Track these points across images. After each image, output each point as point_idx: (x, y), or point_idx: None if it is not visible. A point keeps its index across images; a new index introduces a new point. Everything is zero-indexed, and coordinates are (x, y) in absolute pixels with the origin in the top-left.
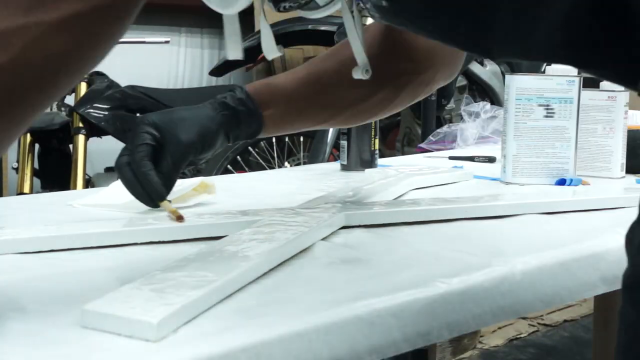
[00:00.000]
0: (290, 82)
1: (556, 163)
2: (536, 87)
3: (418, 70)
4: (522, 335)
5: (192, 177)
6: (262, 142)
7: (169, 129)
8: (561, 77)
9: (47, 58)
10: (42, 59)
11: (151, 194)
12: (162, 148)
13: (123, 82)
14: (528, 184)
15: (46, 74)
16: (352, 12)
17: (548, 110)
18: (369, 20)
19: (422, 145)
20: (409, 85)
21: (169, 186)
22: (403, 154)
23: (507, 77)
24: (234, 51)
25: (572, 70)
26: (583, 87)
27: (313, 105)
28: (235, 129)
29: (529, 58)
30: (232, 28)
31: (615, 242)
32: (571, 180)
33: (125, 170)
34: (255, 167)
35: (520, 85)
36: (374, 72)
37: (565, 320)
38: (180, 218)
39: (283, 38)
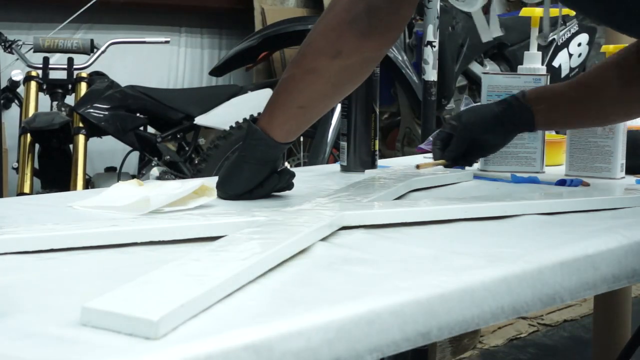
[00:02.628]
0: (561, 85)
1: (524, 153)
2: (505, 84)
3: None
4: (522, 335)
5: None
6: None
7: (460, 117)
8: (528, 75)
9: (345, 83)
10: (343, 85)
11: (434, 156)
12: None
13: (123, 82)
14: (499, 171)
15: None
16: None
17: (511, 94)
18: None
19: (422, 145)
20: None
21: (451, 157)
22: (403, 154)
23: (482, 76)
24: (489, 34)
25: (541, 69)
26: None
27: (579, 105)
28: (510, 118)
29: None
30: (480, 19)
31: (615, 243)
32: (571, 180)
33: (435, 152)
34: None
35: (491, 83)
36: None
37: (565, 320)
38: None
39: (283, 38)
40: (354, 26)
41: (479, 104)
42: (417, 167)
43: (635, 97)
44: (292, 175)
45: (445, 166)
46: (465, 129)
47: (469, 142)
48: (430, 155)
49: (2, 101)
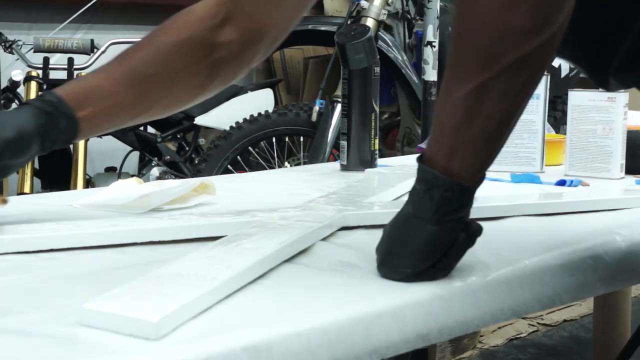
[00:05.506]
0: (104, 79)
1: (525, 153)
2: None
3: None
4: (522, 335)
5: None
6: (262, 142)
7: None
8: None
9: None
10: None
11: None
12: None
13: None
14: (499, 171)
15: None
16: None
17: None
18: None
19: (422, 145)
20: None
21: None
22: (403, 154)
23: None
24: None
25: None
26: (583, 88)
27: (131, 103)
28: (52, 132)
29: None
30: None
31: (614, 243)
32: (571, 181)
33: None
34: (255, 167)
35: None
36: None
37: (565, 320)
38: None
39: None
40: None
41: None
42: None
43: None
44: (480, 230)
45: None
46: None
47: None
48: None
49: (2, 101)
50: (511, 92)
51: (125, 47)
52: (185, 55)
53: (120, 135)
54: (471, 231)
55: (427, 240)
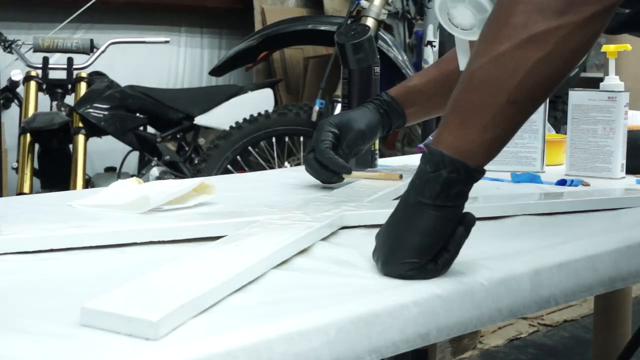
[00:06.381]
0: (423, 82)
1: (525, 152)
2: None
3: None
4: (522, 336)
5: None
6: (262, 142)
7: (345, 125)
8: None
9: (571, 52)
10: (568, 52)
11: (338, 170)
12: (338, 141)
13: (123, 82)
14: (499, 171)
15: (568, 65)
16: None
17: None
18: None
19: (422, 145)
20: None
21: (347, 166)
22: (403, 154)
23: None
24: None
25: None
26: (583, 87)
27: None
28: (388, 123)
29: None
30: (463, 46)
31: (614, 243)
32: (572, 180)
33: (312, 163)
34: (255, 167)
35: None
36: None
37: (565, 320)
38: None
39: (283, 38)
40: None
41: (352, 109)
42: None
43: None
44: (474, 221)
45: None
46: (355, 139)
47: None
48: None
49: (1, 101)
50: (523, 67)
51: (125, 47)
52: None
53: (120, 135)
54: (467, 222)
55: (427, 227)
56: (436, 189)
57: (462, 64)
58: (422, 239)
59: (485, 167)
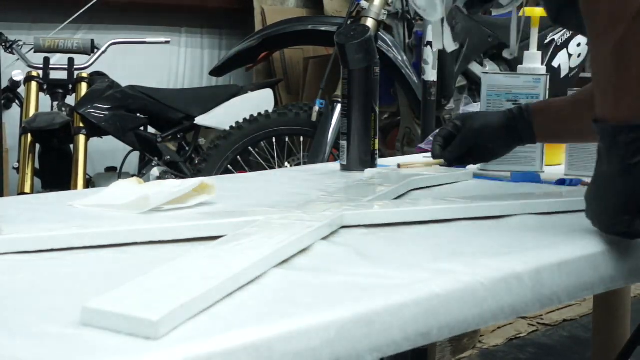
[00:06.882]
0: (561, 101)
1: (524, 152)
2: (505, 84)
3: None
4: (521, 335)
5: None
6: (262, 142)
7: (466, 120)
8: (528, 75)
9: None
10: None
11: (432, 153)
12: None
13: (123, 82)
14: (499, 171)
15: None
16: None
17: (515, 105)
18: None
19: (422, 145)
20: None
21: (450, 157)
22: (403, 154)
23: (482, 76)
24: (440, 44)
25: (540, 69)
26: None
27: (577, 122)
28: (514, 130)
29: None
30: (437, 29)
31: (613, 243)
32: (571, 180)
33: (435, 148)
34: (255, 167)
35: (491, 83)
36: None
37: (564, 320)
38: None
39: (283, 38)
40: None
41: (485, 110)
42: (399, 166)
43: None
44: None
45: (441, 165)
46: (471, 133)
47: (472, 146)
48: (429, 154)
49: (2, 101)
50: None
51: (125, 47)
52: None
53: (120, 135)
54: None
55: (622, 191)
56: (621, 152)
57: (435, 46)
58: (621, 202)
59: (485, 167)
